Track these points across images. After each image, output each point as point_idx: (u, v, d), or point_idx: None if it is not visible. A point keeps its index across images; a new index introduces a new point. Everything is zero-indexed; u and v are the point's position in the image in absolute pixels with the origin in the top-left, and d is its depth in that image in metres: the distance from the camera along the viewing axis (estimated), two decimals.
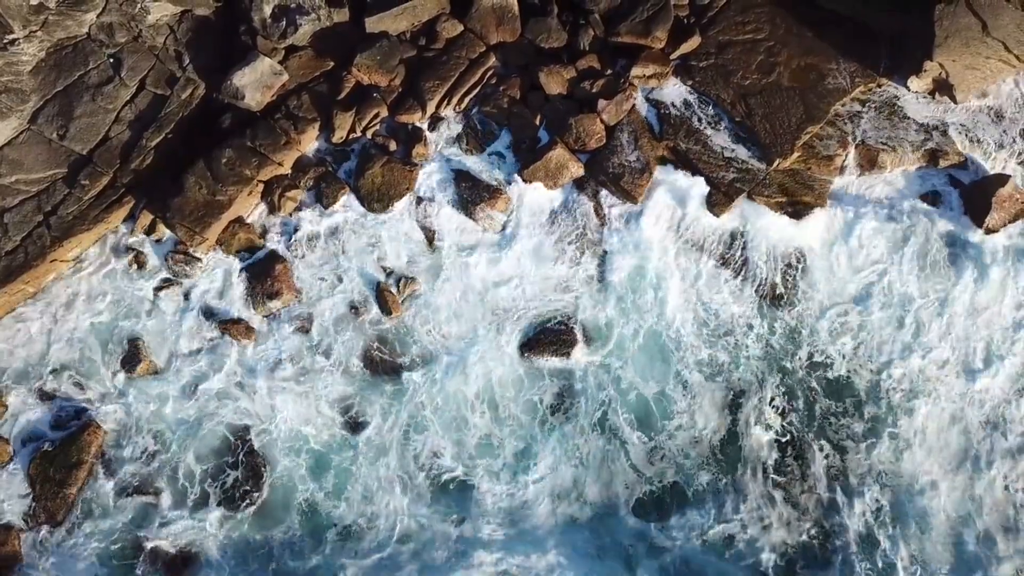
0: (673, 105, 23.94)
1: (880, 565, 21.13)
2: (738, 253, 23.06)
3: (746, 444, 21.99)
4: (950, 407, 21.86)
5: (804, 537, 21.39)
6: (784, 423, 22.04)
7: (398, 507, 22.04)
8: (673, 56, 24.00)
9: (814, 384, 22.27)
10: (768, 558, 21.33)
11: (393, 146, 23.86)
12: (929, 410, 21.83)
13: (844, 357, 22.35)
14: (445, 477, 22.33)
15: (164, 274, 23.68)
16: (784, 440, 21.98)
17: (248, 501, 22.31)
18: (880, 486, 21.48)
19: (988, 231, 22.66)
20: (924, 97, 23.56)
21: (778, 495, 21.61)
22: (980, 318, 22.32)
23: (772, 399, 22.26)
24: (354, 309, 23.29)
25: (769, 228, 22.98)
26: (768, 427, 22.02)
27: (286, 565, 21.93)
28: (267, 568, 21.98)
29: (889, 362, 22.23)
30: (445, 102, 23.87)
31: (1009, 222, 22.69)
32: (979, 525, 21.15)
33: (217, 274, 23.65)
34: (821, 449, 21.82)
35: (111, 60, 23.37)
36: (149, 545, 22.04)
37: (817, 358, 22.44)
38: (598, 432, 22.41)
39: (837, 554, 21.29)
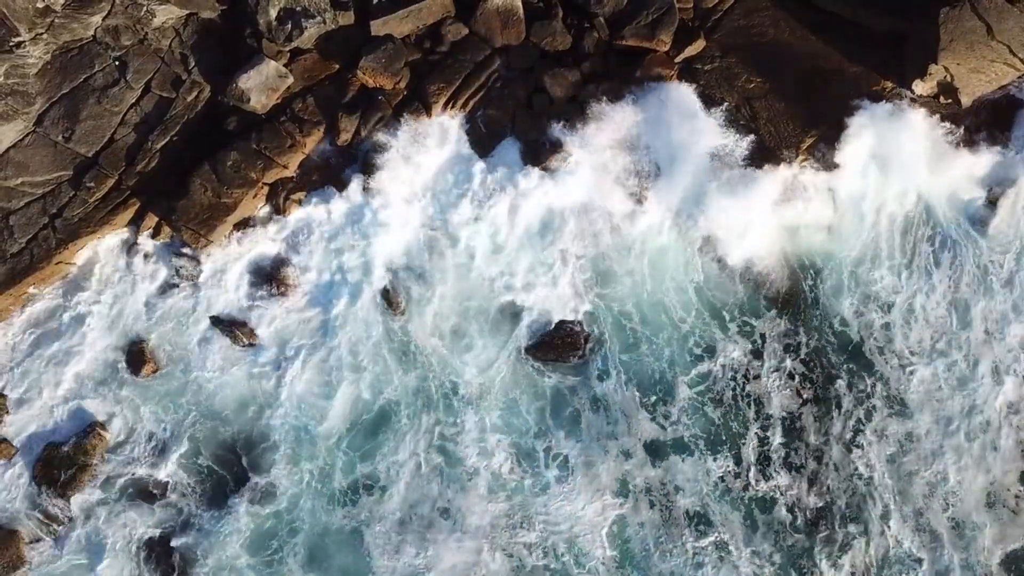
0: None
1: None
2: None
3: None
4: None
5: None
6: None
7: None
8: (677, 59, 24.00)
9: None
10: None
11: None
12: None
13: None
14: None
15: (169, 276, 23.66)
16: None
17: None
18: None
19: None
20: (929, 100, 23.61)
21: None
22: None
23: None
24: (361, 309, 23.33)
25: None
26: None
27: None
28: None
29: None
30: (450, 105, 23.91)
31: None
32: None
33: (222, 276, 23.62)
34: None
35: (117, 63, 23.40)
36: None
37: None
38: None
39: None
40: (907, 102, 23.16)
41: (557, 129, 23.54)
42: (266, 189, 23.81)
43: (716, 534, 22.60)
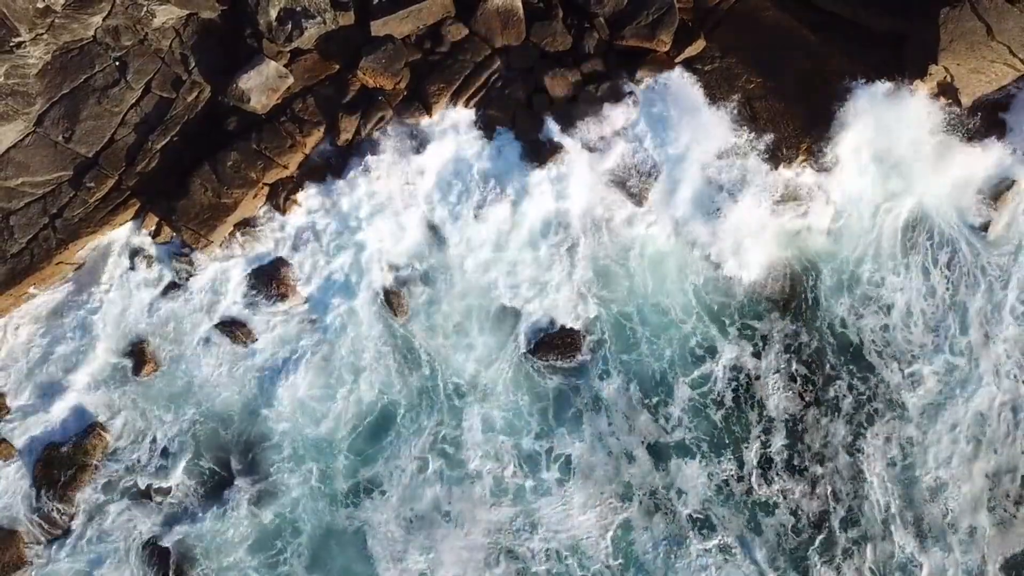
0: None
1: None
2: None
3: None
4: None
5: None
6: None
7: None
8: (677, 60, 24.01)
9: None
10: None
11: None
12: None
13: None
14: None
15: (169, 276, 23.63)
16: None
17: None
18: None
19: None
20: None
21: None
22: None
23: None
24: (361, 309, 23.35)
25: None
26: None
27: None
28: None
29: None
30: (450, 105, 23.90)
31: None
32: None
33: (222, 277, 23.61)
34: None
35: (117, 63, 23.38)
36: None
37: None
38: None
39: None
40: (907, 98, 23.22)
41: (557, 129, 23.56)
42: (266, 189, 23.78)
43: (719, 537, 22.59)
